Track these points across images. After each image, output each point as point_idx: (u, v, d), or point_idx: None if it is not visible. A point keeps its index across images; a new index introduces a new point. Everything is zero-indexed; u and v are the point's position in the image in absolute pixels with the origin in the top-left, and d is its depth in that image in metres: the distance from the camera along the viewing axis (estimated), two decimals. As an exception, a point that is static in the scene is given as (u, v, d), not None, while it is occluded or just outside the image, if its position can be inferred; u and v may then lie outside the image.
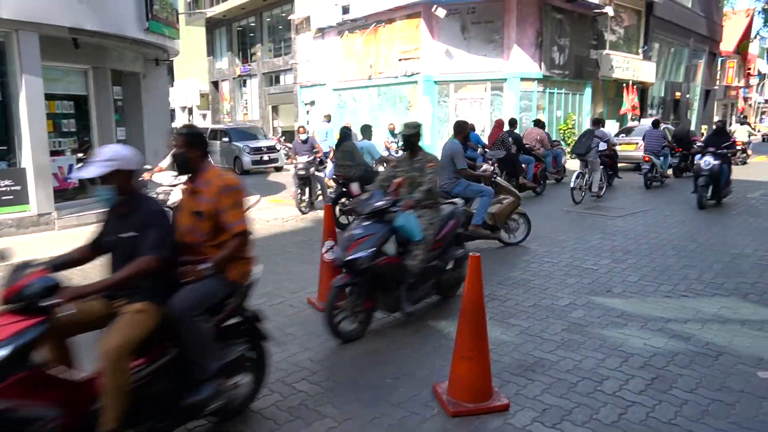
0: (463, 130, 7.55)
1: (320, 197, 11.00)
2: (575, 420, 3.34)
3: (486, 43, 19.91)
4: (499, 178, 7.52)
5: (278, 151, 19.09)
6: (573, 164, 13.42)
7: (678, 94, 30.19)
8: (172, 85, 40.69)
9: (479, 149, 11.75)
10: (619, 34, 24.66)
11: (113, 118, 11.05)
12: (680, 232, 8.32)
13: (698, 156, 10.67)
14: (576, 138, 15.00)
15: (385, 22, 21.84)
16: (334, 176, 9.52)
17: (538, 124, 13.97)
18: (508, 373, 3.94)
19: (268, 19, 30.29)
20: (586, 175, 11.29)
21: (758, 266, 6.46)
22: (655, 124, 14.13)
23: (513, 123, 12.50)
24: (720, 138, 10.78)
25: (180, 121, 40.70)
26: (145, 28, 10.59)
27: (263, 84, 31.06)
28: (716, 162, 10.09)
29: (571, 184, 10.96)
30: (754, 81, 49.49)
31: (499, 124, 13.13)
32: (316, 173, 10.91)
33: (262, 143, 19.06)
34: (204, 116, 39.59)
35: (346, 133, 9.57)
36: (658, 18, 26.21)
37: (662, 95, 29.08)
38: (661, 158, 13.37)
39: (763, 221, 9.05)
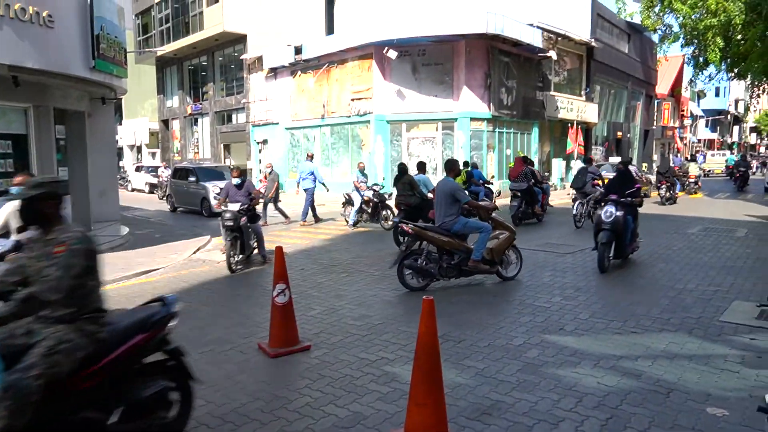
0: (454, 167, 7.78)
1: (255, 251, 9.58)
2: (532, 465, 3.28)
3: (437, 84, 20.41)
4: (495, 213, 7.86)
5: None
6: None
7: (619, 133, 31.64)
8: (121, 124, 40.02)
9: (480, 183, 14.66)
10: (563, 76, 25.77)
11: (55, 157, 10.70)
12: (627, 270, 8.53)
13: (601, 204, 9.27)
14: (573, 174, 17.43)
15: (337, 63, 22.16)
16: (396, 204, 11.44)
17: (526, 161, 14.80)
18: (464, 418, 3.86)
19: (220, 59, 30.29)
20: (584, 205, 13.39)
21: (701, 300, 6.65)
22: (588, 161, 15.39)
23: (527, 160, 14.74)
24: (623, 183, 8.89)
25: (128, 159, 39.79)
26: (91, 67, 10.37)
27: (215, 122, 30.82)
28: (619, 213, 8.37)
29: (574, 212, 13.18)
30: (687, 122, 52.38)
31: (520, 160, 14.62)
32: (250, 224, 9.37)
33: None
34: (153, 155, 38.84)
35: (403, 169, 11.56)
36: (598, 62, 27.59)
37: (605, 134, 30.36)
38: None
39: (702, 256, 9.40)
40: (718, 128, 66.12)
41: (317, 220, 15.02)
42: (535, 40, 21.11)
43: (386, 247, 11.05)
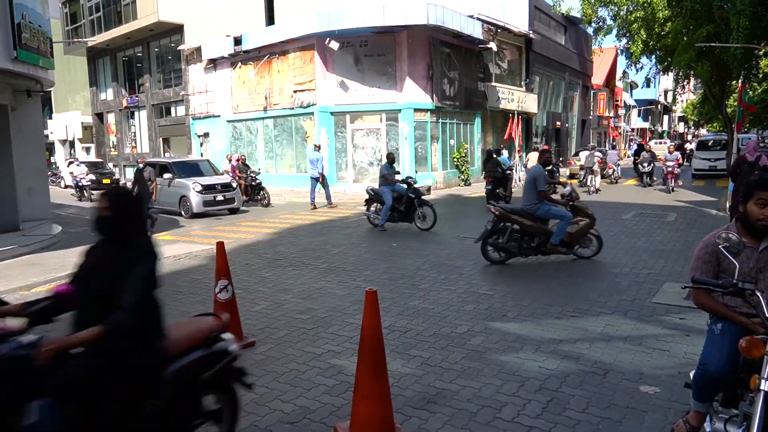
0: (542, 155, 8.89)
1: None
2: (477, 451, 3.34)
3: (380, 75, 20.40)
4: (577, 201, 8.33)
5: (234, 189, 16.04)
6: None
7: (558, 123, 32.58)
8: (51, 118, 38.10)
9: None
10: (504, 67, 26.26)
11: (-25, 153, 10.07)
12: (566, 255, 8.80)
13: None
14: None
15: (278, 54, 21.80)
16: (485, 177, 15.69)
17: (492, 153, 16.88)
18: (410, 407, 3.89)
19: (156, 49, 29.23)
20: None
21: (635, 284, 6.95)
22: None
23: (496, 152, 17.28)
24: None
25: (60, 155, 38.00)
26: (12, 58, 9.80)
27: (153, 116, 29.77)
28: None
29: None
30: (621, 112, 54.47)
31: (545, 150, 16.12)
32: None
33: (215, 180, 15.99)
34: (87, 150, 37.23)
35: (491, 152, 16.90)
36: (536, 53, 28.27)
37: (545, 124, 31.19)
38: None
39: (636, 240, 9.82)
40: (650, 118, 69.17)
41: (314, 207, 16.32)
42: (476, 31, 21.41)
43: (331, 239, 11.01)
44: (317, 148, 17.60)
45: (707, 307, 2.90)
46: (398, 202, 11.66)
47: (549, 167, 14.32)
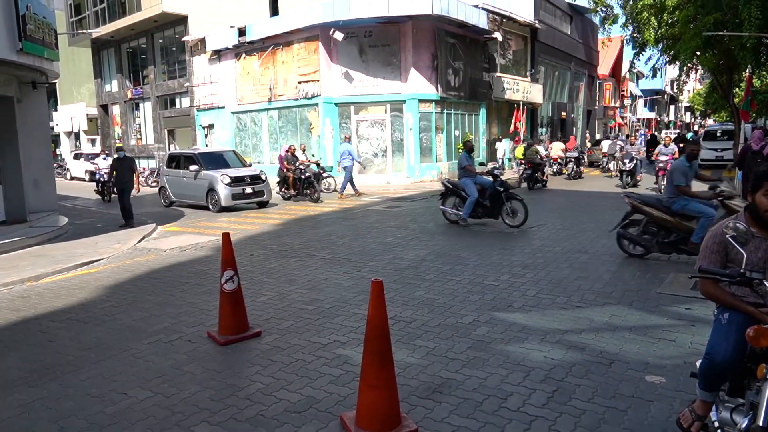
0: (686, 147, 7.90)
1: None
2: (482, 440, 3.35)
3: (384, 66, 20.32)
4: (732, 201, 7.24)
5: (264, 182, 15.30)
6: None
7: (564, 113, 32.42)
8: (56, 110, 38.18)
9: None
10: (509, 58, 26.11)
11: (-18, 145, 10.10)
12: (572, 245, 8.80)
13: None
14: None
15: (282, 45, 21.74)
16: (526, 162, 18.08)
17: (466, 145, 15.96)
18: (415, 397, 3.90)
19: (161, 41, 29.18)
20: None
21: (641, 274, 6.93)
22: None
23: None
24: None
25: (65, 147, 38.08)
26: (17, 49, 9.80)
27: (158, 107, 29.78)
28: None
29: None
30: (627, 102, 54.16)
31: (574, 138, 18.24)
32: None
33: (244, 172, 15.27)
34: (92, 141, 37.31)
35: (530, 143, 19.72)
36: (542, 43, 28.07)
37: (550, 115, 31.05)
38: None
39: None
40: (656, 108, 68.74)
41: (358, 193, 17.03)
42: (481, 21, 21.26)
43: (335, 230, 11.02)
44: (347, 139, 18.20)
45: (714, 296, 2.89)
46: (482, 196, 10.57)
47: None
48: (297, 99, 21.45)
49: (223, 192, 14.39)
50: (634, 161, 17.43)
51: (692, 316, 5.31)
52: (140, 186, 13.44)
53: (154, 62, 29.52)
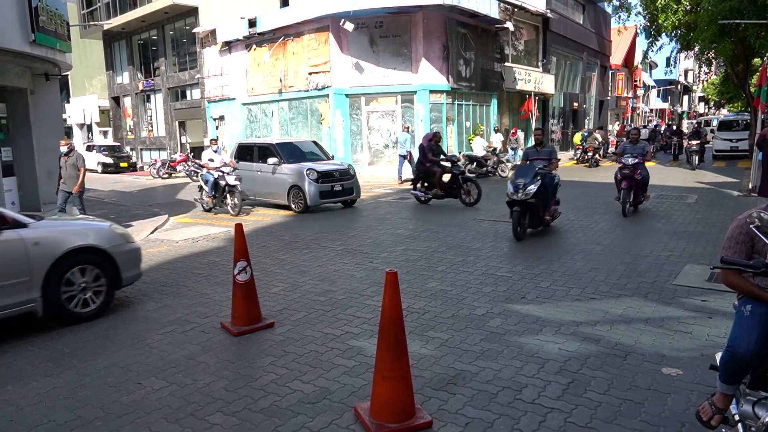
0: None
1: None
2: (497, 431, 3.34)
3: (395, 57, 20.20)
4: None
5: (353, 178, 13.05)
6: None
7: (576, 104, 32.12)
8: (68, 102, 38.38)
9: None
10: (520, 48, 25.86)
11: (-4, 137, 10.17)
12: (586, 237, 8.73)
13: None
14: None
15: (293, 36, 21.67)
16: (579, 148, 21.22)
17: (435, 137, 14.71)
18: (429, 389, 3.89)
19: (171, 32, 29.20)
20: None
21: (655, 265, 6.86)
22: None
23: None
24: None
25: (78, 138, 38.31)
26: (30, 41, 9.84)
27: (169, 99, 29.85)
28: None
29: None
30: (640, 92, 53.58)
31: (623, 126, 18.83)
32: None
33: (332, 166, 12.99)
34: (105, 133, 37.51)
35: (590, 131, 22.15)
36: (554, 33, 27.77)
37: (562, 105, 30.77)
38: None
39: (656, 222, 9.69)
40: (669, 98, 67.91)
41: (400, 181, 17.81)
42: (492, 11, 21.04)
43: (347, 222, 11.01)
44: (406, 128, 18.97)
45: (737, 286, 2.83)
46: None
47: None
48: (308, 90, 21.40)
49: (310, 190, 12.19)
50: (699, 141, 19.65)
51: (709, 308, 5.24)
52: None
53: (165, 54, 29.57)
